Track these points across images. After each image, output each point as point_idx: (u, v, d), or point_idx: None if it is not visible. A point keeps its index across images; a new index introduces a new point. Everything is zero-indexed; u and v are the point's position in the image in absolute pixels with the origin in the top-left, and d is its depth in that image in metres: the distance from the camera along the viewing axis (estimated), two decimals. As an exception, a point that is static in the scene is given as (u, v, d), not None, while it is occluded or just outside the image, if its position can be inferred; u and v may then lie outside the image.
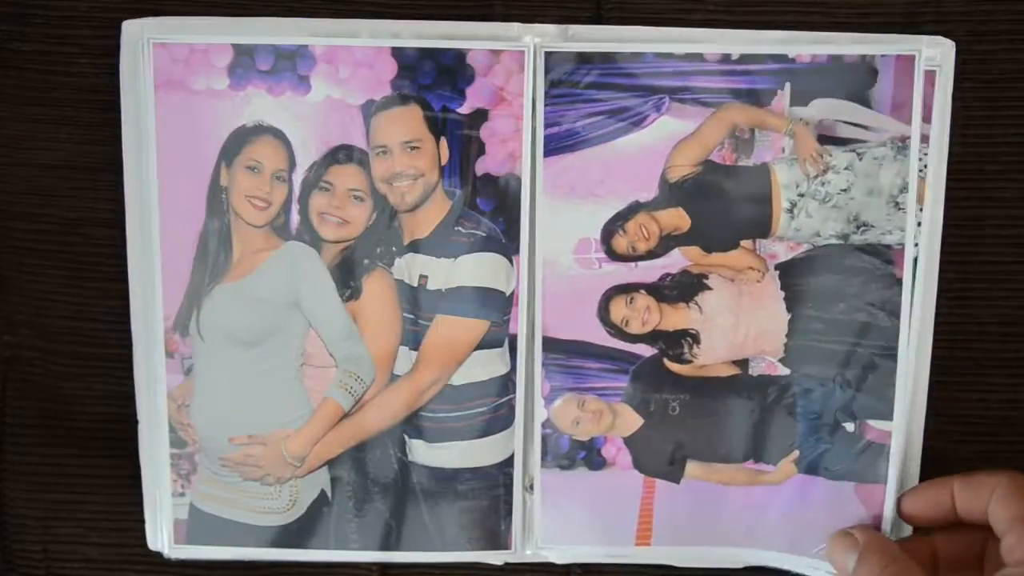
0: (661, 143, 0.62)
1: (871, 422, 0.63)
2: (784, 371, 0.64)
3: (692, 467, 0.65)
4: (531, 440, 0.65)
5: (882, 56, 0.60)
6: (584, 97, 0.61)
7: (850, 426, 0.63)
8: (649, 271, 0.63)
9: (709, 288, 0.63)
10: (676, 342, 0.64)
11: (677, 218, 0.63)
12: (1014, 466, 0.64)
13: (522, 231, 0.63)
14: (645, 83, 0.61)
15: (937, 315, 0.62)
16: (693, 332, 0.64)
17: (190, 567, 0.67)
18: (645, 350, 0.64)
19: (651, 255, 0.63)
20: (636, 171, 0.62)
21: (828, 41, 0.61)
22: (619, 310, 0.64)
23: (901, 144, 0.61)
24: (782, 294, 0.63)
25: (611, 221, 0.63)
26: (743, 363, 0.64)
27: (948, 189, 0.61)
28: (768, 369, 0.64)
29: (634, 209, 0.62)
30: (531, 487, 0.65)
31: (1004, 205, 0.64)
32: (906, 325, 0.61)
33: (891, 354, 0.62)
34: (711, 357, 0.64)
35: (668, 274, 0.64)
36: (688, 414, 0.64)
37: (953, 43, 0.60)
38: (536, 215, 0.63)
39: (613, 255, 0.63)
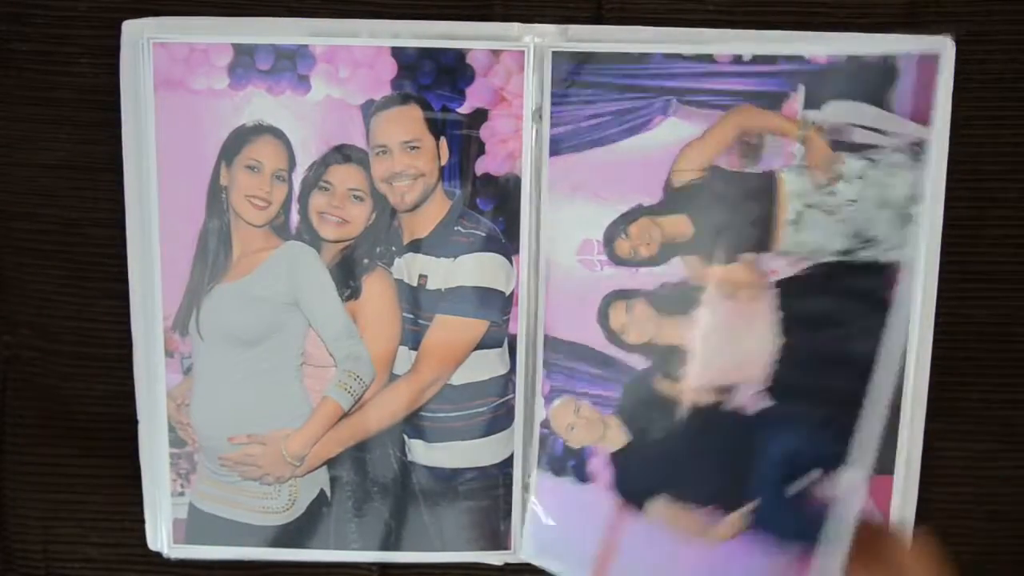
0: (667, 146, 0.62)
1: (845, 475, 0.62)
2: (768, 403, 0.63)
3: (659, 504, 0.64)
4: (531, 440, 0.65)
5: (904, 55, 0.59)
6: (589, 98, 0.61)
7: (816, 477, 0.62)
8: (649, 277, 0.63)
9: (702, 304, 0.63)
10: (667, 356, 0.63)
11: (680, 225, 0.62)
12: (1014, 466, 0.65)
13: (522, 231, 0.63)
14: (652, 84, 0.61)
15: (937, 315, 0.62)
16: (684, 349, 0.63)
17: (190, 567, 0.67)
18: (639, 361, 0.64)
19: (652, 261, 0.63)
20: (640, 174, 0.62)
21: (846, 40, 0.60)
22: (619, 317, 0.63)
23: (918, 149, 0.60)
24: (780, 314, 0.62)
25: (614, 224, 0.62)
26: (730, 391, 0.63)
27: (948, 189, 0.61)
28: (752, 401, 0.63)
29: (637, 212, 0.62)
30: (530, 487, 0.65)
31: (1004, 205, 0.63)
32: (915, 324, 0.61)
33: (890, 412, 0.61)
34: (700, 378, 0.63)
35: (667, 283, 0.63)
36: (670, 441, 0.63)
37: (953, 43, 0.60)
38: (540, 215, 0.62)
39: (615, 259, 0.63)
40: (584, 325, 0.63)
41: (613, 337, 0.63)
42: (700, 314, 0.63)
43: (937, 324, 0.62)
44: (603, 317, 0.63)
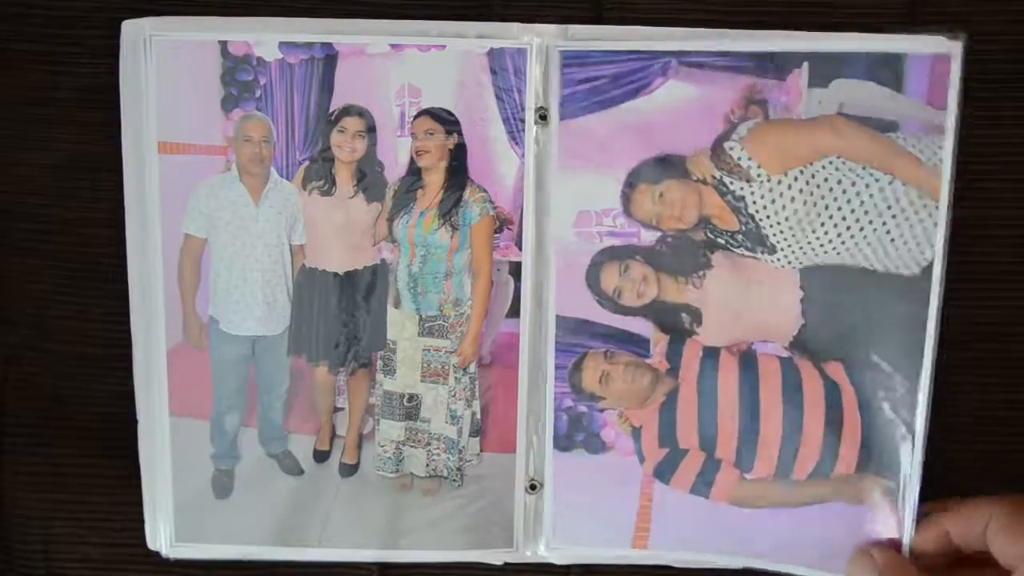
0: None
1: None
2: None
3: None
4: (532, 439, 0.65)
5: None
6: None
7: None
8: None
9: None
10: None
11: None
12: (1013, 465, 0.64)
13: (526, 211, 0.62)
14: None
15: (938, 316, 0.61)
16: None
17: (189, 567, 0.67)
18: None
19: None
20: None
21: (848, 41, 0.58)
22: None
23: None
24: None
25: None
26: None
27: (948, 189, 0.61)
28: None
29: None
30: (531, 487, 0.65)
31: (1004, 205, 0.63)
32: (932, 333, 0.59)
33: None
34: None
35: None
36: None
37: (956, 43, 0.60)
38: (538, 191, 0.62)
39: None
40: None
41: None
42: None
43: (938, 324, 0.62)
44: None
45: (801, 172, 0.59)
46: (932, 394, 0.61)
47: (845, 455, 0.61)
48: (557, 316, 0.62)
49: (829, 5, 0.62)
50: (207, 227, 0.64)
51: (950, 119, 0.57)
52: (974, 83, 0.61)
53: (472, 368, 0.66)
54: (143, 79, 0.61)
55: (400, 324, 0.66)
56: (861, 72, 0.57)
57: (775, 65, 0.58)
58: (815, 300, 0.60)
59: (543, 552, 0.65)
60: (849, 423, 0.61)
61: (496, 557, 0.66)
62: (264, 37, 0.61)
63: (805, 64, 0.58)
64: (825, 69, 0.58)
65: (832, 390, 0.61)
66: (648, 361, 0.63)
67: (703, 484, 0.63)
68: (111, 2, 0.63)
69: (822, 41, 0.59)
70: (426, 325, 0.66)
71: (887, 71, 0.57)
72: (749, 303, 0.61)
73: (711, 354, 0.62)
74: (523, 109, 0.61)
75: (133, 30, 0.61)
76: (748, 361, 0.62)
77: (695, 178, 0.60)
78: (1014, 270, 0.64)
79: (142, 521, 0.65)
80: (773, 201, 0.59)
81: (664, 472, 0.63)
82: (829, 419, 0.61)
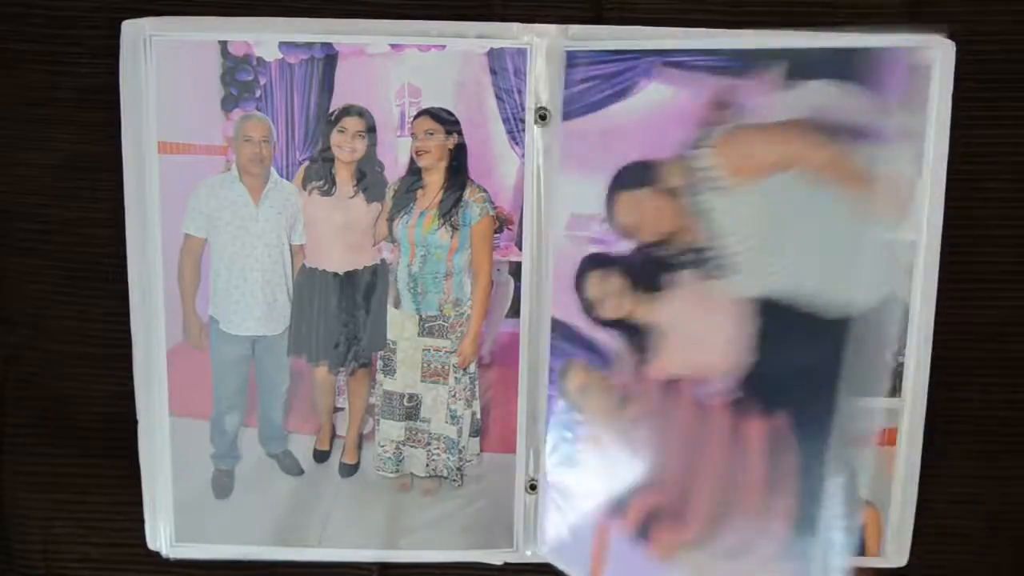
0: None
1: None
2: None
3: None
4: (532, 439, 0.65)
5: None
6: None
7: None
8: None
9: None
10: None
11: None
12: (1014, 466, 0.64)
13: (526, 211, 0.63)
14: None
15: (937, 315, 0.62)
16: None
17: (189, 567, 0.67)
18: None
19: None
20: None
21: (842, 39, 0.59)
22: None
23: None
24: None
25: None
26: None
27: (948, 189, 0.61)
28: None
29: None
30: (531, 487, 0.65)
31: (1004, 205, 0.63)
32: (915, 325, 0.60)
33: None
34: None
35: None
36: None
37: (953, 43, 0.60)
38: (543, 224, 0.62)
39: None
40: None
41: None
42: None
43: (937, 324, 0.62)
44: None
45: (767, 183, 0.58)
46: (929, 390, 0.61)
47: (780, 511, 0.60)
48: (552, 318, 0.62)
49: (830, 5, 0.62)
50: (207, 227, 0.64)
51: (930, 125, 0.58)
52: (974, 83, 0.61)
53: (472, 368, 0.66)
54: (143, 79, 0.61)
55: (400, 324, 0.66)
56: (838, 72, 0.57)
57: (753, 64, 0.58)
58: (767, 337, 0.59)
59: (543, 552, 0.65)
60: (787, 475, 0.59)
61: (496, 557, 0.66)
62: (264, 37, 0.61)
63: (783, 64, 0.58)
64: (803, 69, 0.58)
65: (776, 440, 0.59)
66: (612, 383, 0.63)
67: (642, 531, 0.62)
68: (111, 2, 0.63)
69: (801, 40, 0.59)
70: (426, 325, 0.66)
71: (864, 72, 0.57)
72: (707, 329, 0.60)
73: (667, 389, 0.61)
74: (523, 109, 0.61)
75: (133, 30, 0.61)
76: (697, 403, 0.61)
77: (669, 186, 0.59)
78: (1014, 270, 0.64)
79: (142, 521, 0.66)
80: (739, 213, 0.59)
81: (616, 511, 0.63)
82: (770, 469, 0.60)
